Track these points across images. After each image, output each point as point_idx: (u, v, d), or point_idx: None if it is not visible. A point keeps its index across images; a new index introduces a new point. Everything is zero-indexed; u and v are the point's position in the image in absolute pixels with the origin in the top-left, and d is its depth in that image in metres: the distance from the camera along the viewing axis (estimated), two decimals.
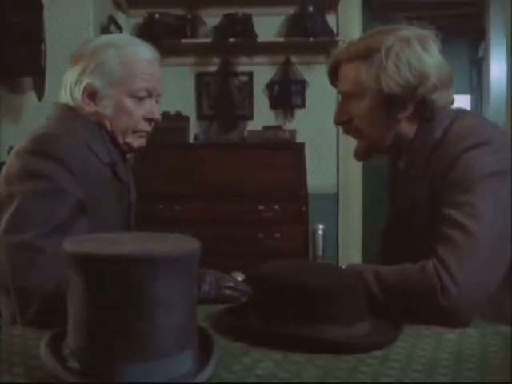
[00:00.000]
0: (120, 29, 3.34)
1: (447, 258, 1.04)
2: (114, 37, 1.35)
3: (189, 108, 3.59)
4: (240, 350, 0.90)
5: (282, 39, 3.43)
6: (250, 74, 3.59)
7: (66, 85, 1.31)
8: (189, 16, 3.44)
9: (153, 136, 3.84)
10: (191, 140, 3.48)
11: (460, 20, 6.63)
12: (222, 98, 3.58)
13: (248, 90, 3.60)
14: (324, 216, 3.53)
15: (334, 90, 3.79)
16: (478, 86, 7.75)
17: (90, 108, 1.29)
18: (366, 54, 1.23)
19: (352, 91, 1.27)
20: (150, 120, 1.33)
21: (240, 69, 3.59)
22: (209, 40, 3.41)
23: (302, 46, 3.45)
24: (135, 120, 1.31)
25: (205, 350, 0.84)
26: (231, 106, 3.57)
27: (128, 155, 1.41)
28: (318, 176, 3.60)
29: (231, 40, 3.36)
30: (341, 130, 3.78)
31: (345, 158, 3.60)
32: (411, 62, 1.19)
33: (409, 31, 1.24)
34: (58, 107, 1.33)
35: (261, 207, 3.17)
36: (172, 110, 3.52)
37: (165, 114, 3.53)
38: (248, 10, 3.42)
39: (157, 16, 3.39)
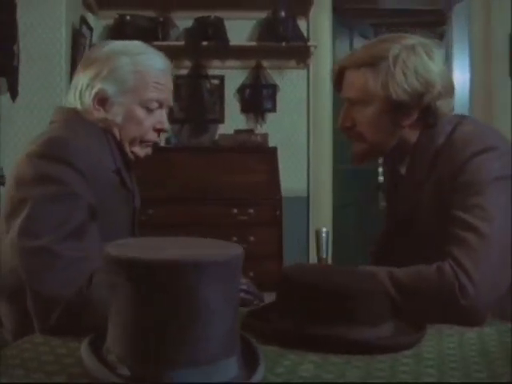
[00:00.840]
0: (91, 30, 3.28)
1: (463, 260, 1.08)
2: (127, 44, 1.33)
3: None
4: (274, 353, 0.90)
5: (254, 43, 3.45)
6: (222, 78, 3.60)
7: (76, 88, 1.28)
8: (160, 18, 3.41)
9: None
10: (163, 143, 3.45)
11: (421, 28, 6.85)
12: (194, 102, 3.57)
13: (219, 93, 3.61)
14: (295, 220, 3.58)
15: (305, 95, 3.87)
16: None
17: (99, 114, 1.27)
18: (372, 61, 1.26)
19: (358, 97, 1.29)
20: (158, 130, 1.32)
21: (211, 72, 3.59)
22: (181, 43, 3.40)
23: (274, 50, 3.48)
24: (144, 129, 1.29)
25: (244, 354, 0.84)
26: (202, 110, 3.57)
27: None
28: (289, 180, 3.63)
29: (203, 43, 3.36)
30: (311, 134, 3.84)
31: (315, 162, 3.66)
32: (418, 70, 1.23)
33: (413, 39, 1.28)
34: (63, 111, 1.31)
35: (235, 211, 3.18)
36: None
37: None
38: (220, 14, 3.43)
39: (128, 18, 3.35)
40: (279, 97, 3.61)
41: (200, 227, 3.12)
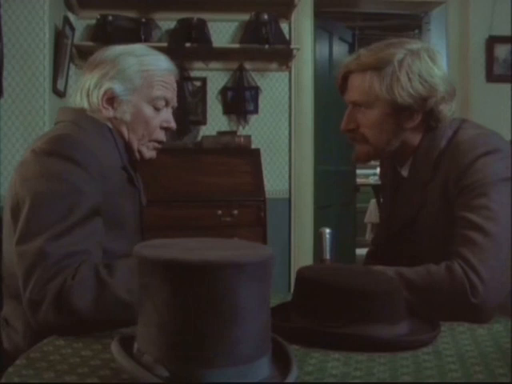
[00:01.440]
0: (73, 30, 3.23)
1: (472, 259, 1.11)
2: (132, 46, 1.35)
3: None
4: (297, 352, 0.92)
5: (237, 45, 3.46)
6: (204, 80, 3.59)
7: (83, 88, 1.30)
8: (143, 19, 3.39)
9: None
10: None
11: (398, 31, 6.97)
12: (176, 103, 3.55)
13: (202, 95, 3.60)
14: (277, 221, 3.60)
15: (286, 97, 3.89)
16: None
17: (107, 113, 1.28)
18: (378, 65, 1.29)
19: (362, 100, 1.32)
20: (165, 129, 1.33)
21: (194, 74, 3.58)
22: (164, 44, 3.37)
23: (257, 53, 3.50)
24: (152, 128, 1.31)
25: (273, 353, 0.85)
26: (185, 111, 3.55)
27: None
28: (271, 181, 3.65)
29: (187, 45, 3.35)
30: (293, 136, 3.86)
31: (297, 163, 3.69)
32: (422, 75, 1.27)
33: (416, 44, 1.32)
34: (70, 111, 1.31)
35: (219, 212, 3.18)
36: None
37: None
38: (203, 16, 3.43)
39: (110, 18, 3.31)
40: (261, 99, 3.62)
41: (184, 229, 3.11)
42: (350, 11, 4.34)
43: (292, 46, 3.48)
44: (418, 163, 1.33)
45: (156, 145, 1.34)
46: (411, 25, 7.25)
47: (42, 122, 2.85)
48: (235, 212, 3.19)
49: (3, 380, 0.81)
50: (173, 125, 1.35)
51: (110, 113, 1.28)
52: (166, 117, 1.33)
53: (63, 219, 1.08)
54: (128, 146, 1.31)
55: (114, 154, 1.28)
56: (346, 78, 1.37)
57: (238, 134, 3.54)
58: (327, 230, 1.44)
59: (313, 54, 3.69)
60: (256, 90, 3.60)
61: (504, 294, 1.12)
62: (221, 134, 3.49)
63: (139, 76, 1.28)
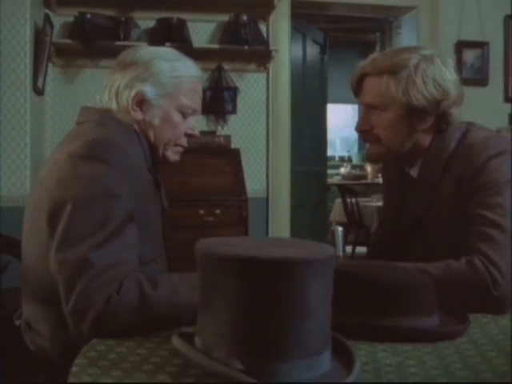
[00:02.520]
0: (52, 27, 3.18)
1: (491, 254, 1.18)
2: (162, 49, 1.35)
3: None
4: None
5: (217, 46, 3.48)
6: None
7: (112, 88, 1.29)
8: (122, 18, 3.37)
9: None
10: None
11: (358, 34, 7.13)
12: None
13: None
14: (255, 220, 3.64)
15: (264, 98, 3.94)
16: None
17: (136, 115, 1.28)
18: (394, 69, 1.34)
19: (378, 102, 1.37)
20: (189, 136, 1.35)
21: None
22: (143, 43, 3.35)
23: (236, 53, 3.52)
24: (178, 133, 1.32)
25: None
26: None
27: None
28: (249, 181, 3.68)
29: (167, 45, 3.34)
30: (271, 136, 3.91)
31: (274, 163, 3.74)
32: (436, 79, 1.33)
33: (429, 50, 1.38)
34: (94, 111, 1.30)
35: (202, 212, 3.19)
36: None
37: None
38: (181, 15, 3.43)
39: (88, 16, 3.28)
40: (240, 99, 3.65)
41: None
42: (320, 14, 4.41)
43: (271, 48, 3.52)
44: (428, 164, 1.40)
45: (180, 149, 1.36)
46: (374, 28, 7.44)
47: (24, 121, 2.80)
48: (217, 211, 3.21)
49: (72, 379, 0.82)
50: (196, 132, 1.37)
51: (138, 115, 1.28)
52: (191, 124, 1.34)
53: (102, 226, 1.07)
54: (153, 149, 1.32)
55: (141, 156, 1.28)
56: (360, 80, 1.42)
57: (218, 133, 3.56)
58: (339, 228, 1.48)
59: (289, 56, 3.74)
60: (234, 90, 3.63)
61: None
62: (201, 133, 3.50)
63: (171, 82, 1.28)
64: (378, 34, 7.79)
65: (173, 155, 1.35)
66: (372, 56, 1.41)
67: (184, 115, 1.32)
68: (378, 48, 7.99)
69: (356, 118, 8.54)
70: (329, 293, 0.83)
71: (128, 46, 3.33)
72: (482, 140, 1.32)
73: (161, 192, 1.37)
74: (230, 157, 3.39)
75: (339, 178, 7.76)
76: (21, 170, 2.87)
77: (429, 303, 1.04)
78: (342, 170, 7.86)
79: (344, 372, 0.81)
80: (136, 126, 1.30)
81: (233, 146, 3.54)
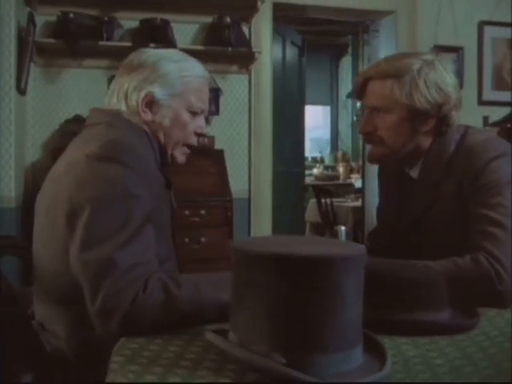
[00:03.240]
0: (35, 27, 3.14)
1: (495, 251, 1.24)
2: (168, 51, 1.37)
3: None
4: None
5: (201, 47, 3.49)
6: None
7: (120, 90, 1.30)
8: (105, 18, 3.35)
9: (67, 140, 3.68)
10: None
11: (332, 37, 7.22)
12: None
13: None
14: (237, 220, 3.67)
15: (246, 100, 3.96)
16: (336, 98, 8.48)
17: (146, 116, 1.29)
18: (397, 73, 1.40)
19: (382, 105, 1.42)
20: (198, 135, 1.37)
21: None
22: (128, 44, 3.35)
23: (219, 55, 3.54)
24: (188, 133, 1.34)
25: None
26: None
27: None
28: (231, 182, 3.70)
29: (151, 45, 3.34)
30: (253, 137, 3.94)
31: (256, 164, 3.77)
32: (438, 83, 1.39)
33: (430, 55, 1.44)
34: (105, 113, 1.31)
35: (187, 212, 3.20)
36: (84, 114, 3.39)
37: (77, 118, 3.40)
38: (165, 16, 3.43)
39: (71, 15, 3.24)
40: (222, 101, 3.67)
41: None
42: (296, 16, 4.46)
43: (254, 50, 3.55)
44: (429, 165, 1.45)
45: (187, 150, 1.38)
46: (347, 31, 7.57)
47: (9, 121, 2.76)
48: (202, 212, 3.23)
49: (113, 376, 0.83)
50: (205, 131, 1.39)
51: (148, 116, 1.30)
52: (200, 123, 1.36)
53: (123, 226, 1.09)
54: (162, 150, 1.34)
55: (152, 157, 1.30)
56: (364, 84, 1.47)
57: None
58: (342, 228, 1.53)
59: (271, 58, 3.78)
60: (217, 91, 3.64)
61: None
62: None
63: (179, 82, 1.30)
64: (350, 37, 7.93)
65: (180, 156, 1.37)
66: (377, 61, 1.46)
67: (193, 115, 1.34)
68: (350, 51, 8.14)
69: (328, 120, 8.67)
70: (361, 288, 0.86)
71: (111, 46, 3.33)
72: (481, 142, 1.39)
73: (171, 192, 1.39)
74: (215, 157, 3.41)
75: (312, 178, 7.85)
76: (5, 170, 2.83)
77: (442, 298, 1.09)
78: (315, 171, 7.95)
79: (377, 364, 0.85)
80: (146, 128, 1.31)
81: (216, 147, 3.56)
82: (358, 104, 5.30)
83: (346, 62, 8.19)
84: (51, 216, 1.19)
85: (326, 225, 6.12)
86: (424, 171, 1.47)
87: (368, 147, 1.55)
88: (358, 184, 7.24)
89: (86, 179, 1.14)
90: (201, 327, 1.04)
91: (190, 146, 1.38)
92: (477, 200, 1.33)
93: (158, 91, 1.29)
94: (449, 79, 1.41)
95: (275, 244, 0.87)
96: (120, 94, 1.31)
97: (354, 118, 7.30)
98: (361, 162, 7.59)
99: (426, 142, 1.46)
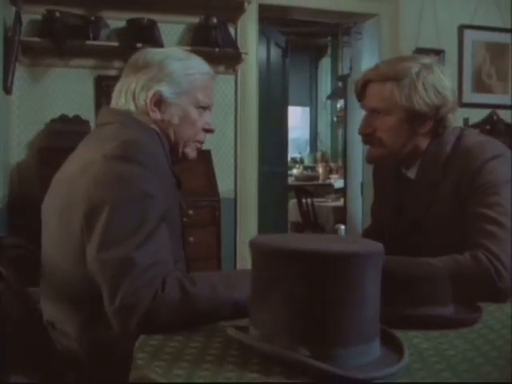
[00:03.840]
0: (21, 25, 3.11)
1: (494, 249, 1.29)
2: (172, 50, 1.39)
3: (88, 112, 3.46)
4: None
5: (188, 48, 3.49)
6: None
7: (128, 91, 1.31)
8: (91, 17, 3.33)
9: (53, 140, 3.64)
10: None
11: (312, 38, 7.28)
12: None
13: None
14: (224, 220, 3.69)
15: (232, 100, 3.99)
16: (315, 99, 8.54)
17: (155, 115, 1.31)
18: (397, 76, 1.44)
19: (381, 107, 1.46)
20: (206, 131, 1.39)
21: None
22: (115, 43, 3.34)
23: (205, 55, 3.53)
24: (197, 130, 1.36)
25: None
26: None
27: None
28: (217, 182, 3.72)
29: (138, 45, 3.34)
30: (239, 138, 3.97)
31: (242, 164, 3.79)
32: (436, 86, 1.44)
33: (428, 59, 1.49)
34: (117, 112, 1.32)
35: None
36: (70, 114, 3.38)
37: (63, 118, 3.38)
38: (152, 16, 3.43)
39: (57, 14, 3.22)
40: None
41: None
42: (278, 17, 4.49)
43: (241, 50, 3.58)
44: (427, 165, 1.50)
45: (198, 145, 1.40)
46: (326, 32, 7.64)
47: None
48: (190, 212, 3.24)
49: (138, 372, 0.85)
50: (213, 127, 1.41)
51: (157, 115, 1.31)
52: (208, 119, 1.38)
53: (140, 226, 1.10)
54: (173, 149, 1.35)
55: (164, 156, 1.32)
56: (364, 86, 1.50)
57: None
58: (342, 227, 1.56)
59: (257, 58, 3.81)
60: None
61: None
62: None
63: (186, 80, 1.32)
64: (329, 39, 8.01)
65: (192, 152, 1.39)
66: (376, 64, 1.50)
67: (200, 111, 1.36)
68: (329, 52, 8.23)
69: (307, 121, 8.74)
70: (379, 284, 0.90)
71: (98, 46, 3.32)
72: (478, 144, 1.44)
73: (179, 192, 1.40)
74: (202, 158, 3.42)
75: (292, 178, 7.91)
76: None
77: (447, 294, 1.13)
78: (295, 171, 8.02)
79: (394, 356, 0.89)
80: (155, 127, 1.32)
81: (203, 148, 3.57)
82: (339, 105, 5.44)
83: (325, 63, 8.26)
84: (65, 216, 1.19)
85: (307, 225, 6.19)
86: (422, 172, 1.52)
87: (366, 148, 1.59)
88: (337, 184, 7.33)
89: (104, 179, 1.14)
90: (215, 324, 1.07)
91: (199, 142, 1.40)
92: (475, 199, 1.38)
93: (165, 90, 1.30)
94: (446, 82, 1.46)
95: (296, 241, 0.90)
96: (128, 95, 1.32)
97: (335, 119, 7.37)
98: (340, 163, 7.69)
99: (423, 143, 1.50)
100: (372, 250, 0.87)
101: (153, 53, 1.35)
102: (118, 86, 1.36)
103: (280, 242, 0.89)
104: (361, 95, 1.53)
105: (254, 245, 0.91)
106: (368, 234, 1.81)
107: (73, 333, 1.22)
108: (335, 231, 1.49)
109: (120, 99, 1.33)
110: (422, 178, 1.51)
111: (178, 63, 1.33)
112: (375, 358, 0.88)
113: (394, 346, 0.92)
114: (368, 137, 1.52)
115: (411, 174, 1.55)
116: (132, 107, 1.31)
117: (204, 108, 1.36)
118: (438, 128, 1.48)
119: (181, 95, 1.32)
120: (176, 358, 0.89)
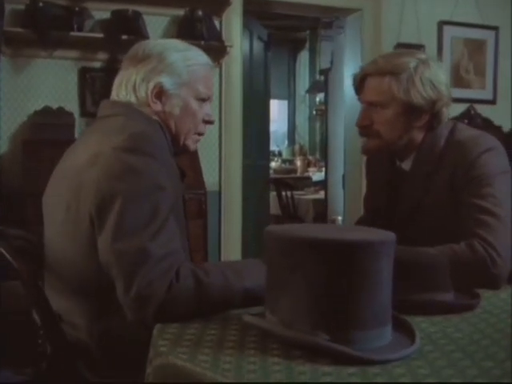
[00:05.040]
0: (3, 15, 3.06)
1: (488, 237, 1.35)
2: (171, 41, 1.40)
3: (71, 104, 3.43)
4: None
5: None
6: None
7: (128, 83, 1.32)
8: (76, 8, 3.30)
9: (36, 132, 3.60)
10: (77, 137, 3.34)
11: (291, 32, 7.31)
12: (108, 96, 3.48)
13: None
14: (209, 212, 3.70)
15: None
16: (293, 92, 8.59)
17: (156, 106, 1.32)
18: (395, 71, 1.48)
19: (379, 100, 1.51)
20: (206, 122, 1.40)
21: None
22: (99, 35, 3.32)
23: None
24: (197, 121, 1.37)
25: None
26: None
27: None
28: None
29: (124, 37, 3.32)
30: (224, 132, 3.98)
31: (227, 157, 3.81)
32: (432, 81, 1.48)
33: (424, 55, 1.54)
34: (120, 104, 1.33)
35: None
36: (54, 106, 3.35)
37: (46, 110, 3.35)
38: (137, 8, 3.41)
39: (40, 4, 3.18)
40: None
41: None
42: (258, 11, 4.51)
43: (226, 43, 3.59)
44: (422, 157, 1.54)
45: (198, 137, 1.41)
46: (305, 26, 7.68)
47: None
48: None
49: (162, 359, 0.87)
50: (213, 118, 1.42)
51: (158, 107, 1.32)
52: (208, 111, 1.39)
53: (153, 217, 1.12)
54: (174, 140, 1.37)
55: (167, 148, 1.33)
56: (362, 80, 1.54)
57: None
58: (339, 218, 1.60)
59: (241, 52, 3.83)
60: None
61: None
62: None
63: (186, 71, 1.33)
64: (307, 32, 8.06)
65: (192, 144, 1.40)
66: (375, 58, 1.54)
67: (200, 103, 1.36)
68: (307, 46, 8.27)
69: (285, 114, 8.79)
70: (391, 270, 0.94)
71: (82, 37, 3.28)
72: (471, 137, 1.49)
73: (183, 184, 1.42)
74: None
75: (271, 171, 7.94)
76: None
77: (448, 281, 1.18)
78: (273, 164, 8.06)
79: (406, 340, 0.93)
80: (157, 118, 1.33)
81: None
82: (318, 99, 5.49)
83: (303, 57, 8.31)
84: (74, 208, 1.19)
85: (286, 217, 6.24)
86: (417, 164, 1.56)
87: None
88: (315, 177, 7.41)
89: (115, 171, 1.15)
90: (227, 313, 1.10)
91: (200, 134, 1.41)
92: (469, 191, 1.43)
93: (166, 81, 1.31)
94: (442, 77, 1.51)
95: (313, 231, 0.93)
96: (128, 87, 1.32)
97: (314, 113, 7.43)
98: (318, 156, 7.77)
99: (418, 136, 1.55)
100: (386, 239, 0.91)
101: (152, 44, 1.35)
102: (117, 79, 1.36)
103: (298, 232, 0.92)
104: (359, 89, 1.56)
105: (271, 234, 0.94)
106: (361, 224, 1.86)
107: (82, 324, 1.23)
108: (333, 222, 1.53)
109: (121, 91, 1.33)
110: (417, 170, 1.56)
111: (177, 54, 1.33)
112: (389, 342, 0.92)
113: (404, 331, 0.96)
114: (365, 129, 1.56)
115: (406, 165, 1.60)
116: (133, 99, 1.32)
117: (204, 99, 1.37)
118: (433, 122, 1.53)
119: (181, 86, 1.33)
120: (197, 344, 0.92)
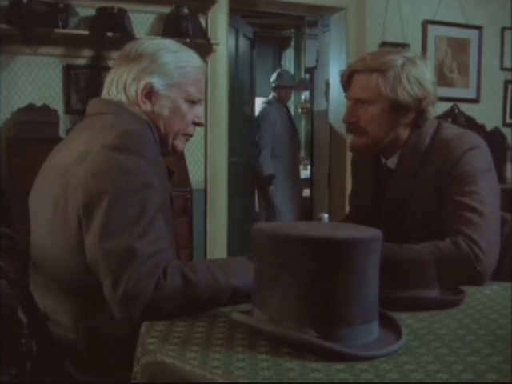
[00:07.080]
0: None
1: (473, 234, 1.37)
2: (165, 41, 1.39)
3: (56, 101, 3.41)
4: None
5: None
6: None
7: (119, 81, 1.31)
8: (60, 4, 3.27)
9: (20, 129, 3.58)
10: (62, 135, 3.32)
11: (275, 30, 7.31)
12: (93, 93, 3.46)
13: None
14: (194, 210, 3.70)
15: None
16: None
17: (145, 106, 1.31)
18: (382, 68, 1.50)
19: (366, 97, 1.52)
20: (196, 124, 1.40)
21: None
22: (84, 32, 3.29)
23: None
24: (186, 123, 1.37)
25: None
26: None
27: None
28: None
29: (109, 34, 3.30)
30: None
31: (212, 155, 3.81)
32: (419, 79, 1.50)
33: (410, 53, 1.56)
34: (109, 103, 1.32)
35: None
36: (38, 103, 3.32)
37: (30, 107, 3.32)
38: (122, 5, 3.39)
39: (25, 1, 3.15)
40: None
41: None
42: (244, 9, 4.51)
43: (212, 41, 3.58)
44: (408, 155, 1.56)
45: (187, 138, 1.41)
46: (290, 24, 7.69)
47: None
48: None
49: (152, 356, 0.88)
50: (203, 121, 1.42)
51: (147, 107, 1.32)
52: (197, 112, 1.39)
53: (141, 216, 1.12)
54: (162, 140, 1.36)
55: (156, 147, 1.33)
56: (350, 77, 1.56)
57: None
58: (325, 215, 1.61)
59: (227, 50, 3.83)
60: None
61: (497, 260, 1.39)
62: None
63: (178, 73, 1.33)
64: (292, 30, 8.06)
65: (181, 144, 1.40)
66: (363, 56, 1.56)
67: (190, 104, 1.36)
68: (292, 44, 8.28)
69: None
70: (378, 267, 0.95)
71: (67, 34, 3.26)
72: (456, 136, 1.51)
73: (170, 183, 1.42)
74: None
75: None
76: None
77: (433, 277, 1.20)
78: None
79: (393, 336, 0.94)
80: (146, 118, 1.33)
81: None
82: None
83: (288, 55, 8.31)
84: (62, 206, 1.19)
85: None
86: (402, 161, 1.58)
87: (349, 137, 1.65)
88: (301, 175, 7.41)
89: (104, 170, 1.15)
90: (214, 310, 1.10)
91: (189, 135, 1.41)
92: (454, 188, 1.45)
93: (156, 82, 1.31)
94: (428, 76, 1.52)
95: (302, 229, 0.94)
96: (119, 85, 1.32)
97: (299, 111, 7.44)
98: (303, 154, 7.77)
99: (404, 134, 1.57)
100: (373, 236, 0.92)
101: (146, 44, 1.35)
102: (109, 77, 1.36)
103: (286, 229, 0.92)
104: (347, 85, 1.58)
105: (259, 231, 0.95)
106: (347, 222, 1.87)
107: (69, 322, 1.22)
108: (319, 220, 1.54)
109: (111, 89, 1.33)
110: (402, 168, 1.58)
111: (170, 55, 1.33)
112: (376, 338, 0.93)
113: (391, 327, 0.98)
114: (352, 125, 1.57)
115: (391, 163, 1.62)
116: (123, 98, 1.31)
117: (194, 101, 1.37)
118: (419, 120, 1.55)
119: (172, 87, 1.33)
120: (185, 342, 0.92)
